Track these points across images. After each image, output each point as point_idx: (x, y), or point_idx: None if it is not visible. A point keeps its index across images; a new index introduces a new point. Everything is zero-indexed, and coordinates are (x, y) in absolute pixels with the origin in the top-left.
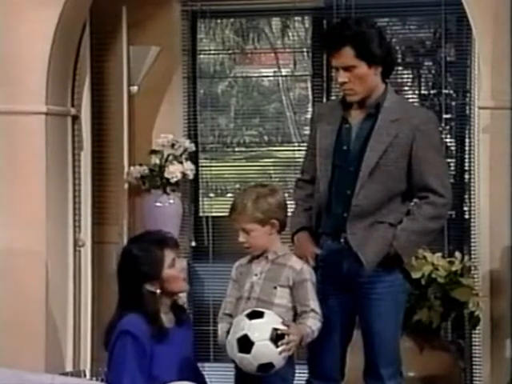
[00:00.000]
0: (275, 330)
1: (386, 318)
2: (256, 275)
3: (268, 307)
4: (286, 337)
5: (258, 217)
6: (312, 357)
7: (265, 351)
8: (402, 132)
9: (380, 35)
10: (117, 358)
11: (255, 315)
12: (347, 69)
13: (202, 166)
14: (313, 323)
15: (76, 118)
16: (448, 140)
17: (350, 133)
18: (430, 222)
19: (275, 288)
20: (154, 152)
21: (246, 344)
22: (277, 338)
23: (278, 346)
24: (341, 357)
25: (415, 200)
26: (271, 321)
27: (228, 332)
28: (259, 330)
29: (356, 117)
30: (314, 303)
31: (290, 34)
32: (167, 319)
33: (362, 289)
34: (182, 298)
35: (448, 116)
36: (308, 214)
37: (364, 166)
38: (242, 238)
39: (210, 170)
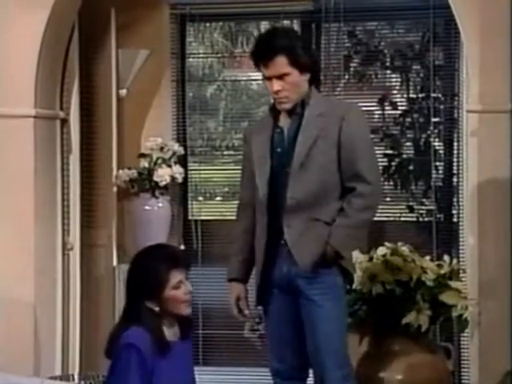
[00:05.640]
0: None
1: (329, 319)
2: None
3: None
4: None
5: None
6: (273, 359)
7: None
8: (328, 123)
9: (306, 43)
10: (121, 370)
11: None
12: (280, 77)
13: (191, 170)
14: None
15: (65, 121)
16: (436, 143)
17: (283, 135)
18: (361, 214)
19: None
20: (142, 155)
21: None
22: None
23: None
24: (302, 356)
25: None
26: None
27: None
28: None
29: (285, 120)
30: None
31: None
32: (171, 333)
33: (302, 291)
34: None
35: (436, 119)
36: (246, 264)
37: (295, 158)
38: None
39: (199, 174)
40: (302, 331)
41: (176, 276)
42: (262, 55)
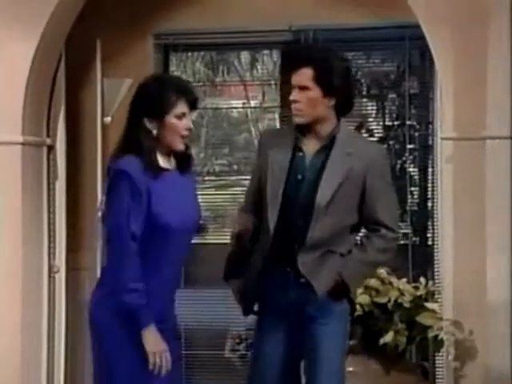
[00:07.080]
0: None
1: (334, 347)
2: None
3: None
4: None
5: None
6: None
7: None
8: (356, 165)
9: (344, 70)
10: (113, 198)
11: None
12: (302, 89)
13: None
14: None
15: (51, 148)
16: (411, 169)
17: (304, 162)
18: (379, 255)
19: None
20: None
21: None
22: None
23: None
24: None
25: (365, 231)
26: None
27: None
28: None
29: (310, 146)
30: None
31: (259, 66)
32: (165, 161)
33: (310, 319)
34: None
35: (411, 146)
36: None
37: (319, 198)
38: None
39: None
40: (297, 357)
41: (183, 107)
42: (291, 61)
